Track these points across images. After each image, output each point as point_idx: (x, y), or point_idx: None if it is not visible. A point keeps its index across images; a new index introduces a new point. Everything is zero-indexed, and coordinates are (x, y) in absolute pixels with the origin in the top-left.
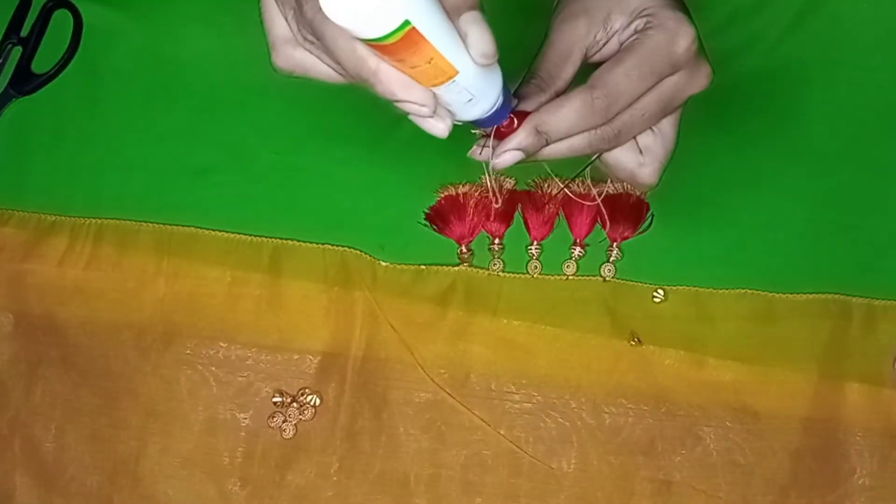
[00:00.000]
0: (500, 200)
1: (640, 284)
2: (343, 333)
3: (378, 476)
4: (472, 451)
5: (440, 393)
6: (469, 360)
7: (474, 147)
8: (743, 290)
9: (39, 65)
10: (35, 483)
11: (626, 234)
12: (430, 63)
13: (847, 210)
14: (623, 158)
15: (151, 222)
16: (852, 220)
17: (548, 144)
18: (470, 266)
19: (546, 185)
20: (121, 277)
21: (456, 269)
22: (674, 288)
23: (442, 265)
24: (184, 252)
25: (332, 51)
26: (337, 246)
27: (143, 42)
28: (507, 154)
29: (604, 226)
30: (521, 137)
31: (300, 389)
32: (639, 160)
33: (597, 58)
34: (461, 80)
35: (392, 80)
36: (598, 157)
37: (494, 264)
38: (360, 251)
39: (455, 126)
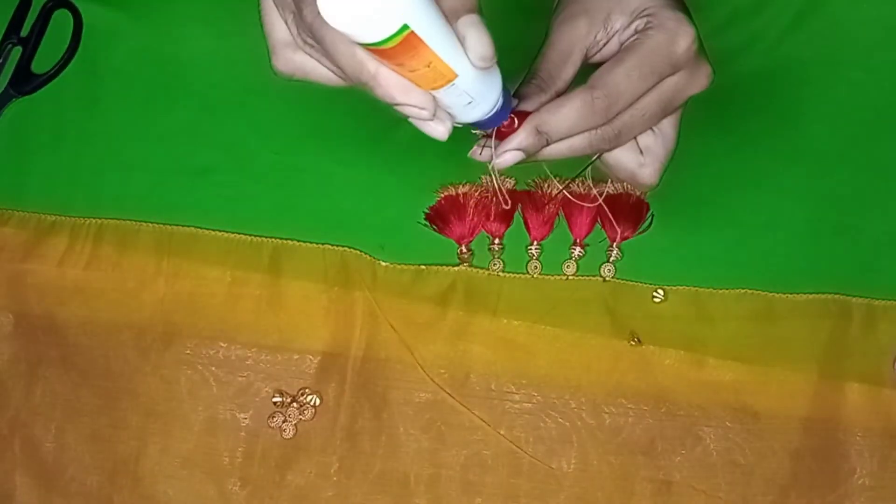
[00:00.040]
0: (507, 201)
1: (640, 284)
2: (343, 333)
3: (378, 476)
4: (472, 451)
5: (440, 393)
6: (469, 360)
7: (475, 147)
8: (743, 290)
9: (39, 65)
10: (35, 483)
11: (626, 234)
12: (428, 67)
13: (847, 210)
14: (623, 159)
15: (151, 222)
16: (852, 220)
17: (548, 144)
18: (470, 266)
19: (546, 185)
20: (121, 277)
21: (456, 269)
22: (674, 288)
23: (442, 265)
24: (184, 252)
25: (332, 54)
26: (337, 246)
27: (143, 42)
28: (508, 154)
29: (604, 226)
30: (521, 138)
31: (300, 389)
32: (639, 160)
33: (597, 58)
34: (460, 84)
35: (391, 84)
36: (598, 157)
37: (494, 264)
38: (360, 251)
39: (455, 127)
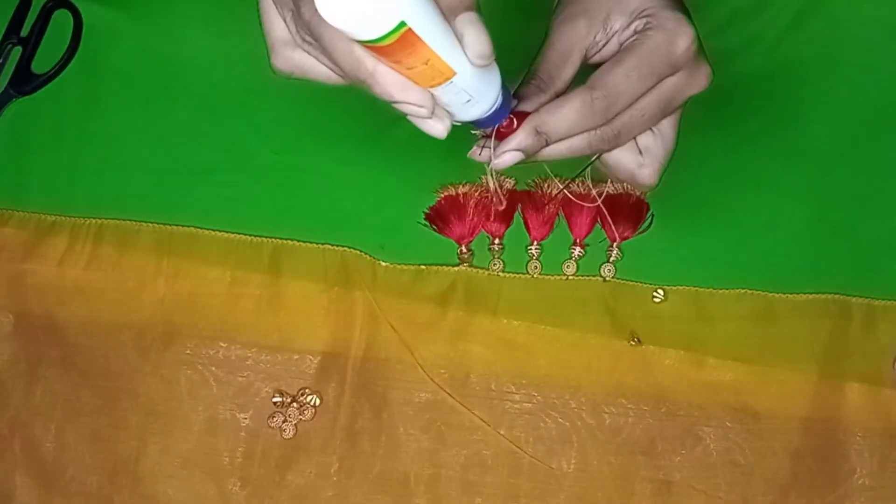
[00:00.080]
0: (503, 202)
1: (640, 284)
2: (343, 333)
3: (378, 476)
4: (472, 451)
5: (440, 393)
6: (469, 360)
7: (474, 147)
8: (743, 290)
9: (39, 65)
10: (35, 483)
11: (626, 234)
12: (426, 64)
13: (847, 210)
14: (623, 159)
15: (151, 222)
16: (852, 220)
17: (547, 145)
18: (470, 266)
19: (546, 186)
20: (121, 277)
21: (456, 269)
22: (674, 288)
23: (442, 265)
24: (184, 252)
25: (330, 52)
26: (337, 246)
27: (143, 42)
28: (507, 154)
29: (604, 226)
30: (520, 138)
31: (300, 389)
32: (639, 161)
33: (596, 58)
34: (459, 81)
35: (389, 82)
36: (597, 157)
37: (494, 264)
38: (360, 251)
39: (454, 126)
